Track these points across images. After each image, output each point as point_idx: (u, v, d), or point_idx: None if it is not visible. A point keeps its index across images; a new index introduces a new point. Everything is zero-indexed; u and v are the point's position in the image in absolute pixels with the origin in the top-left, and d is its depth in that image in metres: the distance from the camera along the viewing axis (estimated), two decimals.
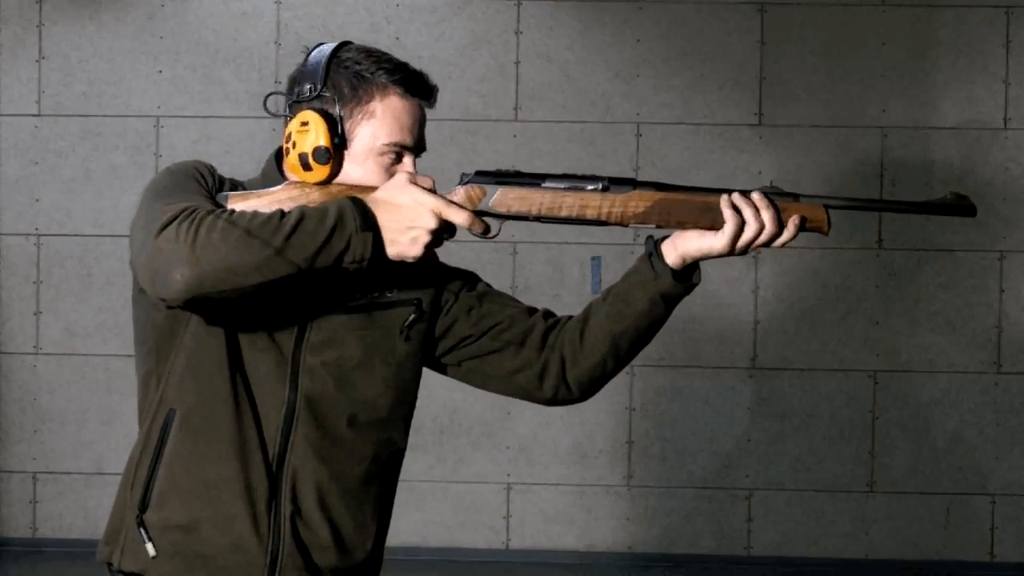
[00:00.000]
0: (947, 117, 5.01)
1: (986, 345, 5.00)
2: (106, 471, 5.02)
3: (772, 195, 1.81)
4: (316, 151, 1.79)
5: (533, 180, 1.82)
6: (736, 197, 1.80)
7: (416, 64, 1.88)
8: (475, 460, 5.05)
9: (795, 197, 1.81)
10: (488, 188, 1.81)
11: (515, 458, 5.05)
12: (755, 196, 1.80)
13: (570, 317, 1.97)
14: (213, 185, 1.81)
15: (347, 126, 1.81)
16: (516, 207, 1.81)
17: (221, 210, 1.68)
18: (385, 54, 1.86)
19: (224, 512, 1.79)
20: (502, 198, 1.81)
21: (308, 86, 1.82)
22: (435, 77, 1.88)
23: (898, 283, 5.01)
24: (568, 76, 5.04)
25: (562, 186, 1.81)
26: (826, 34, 5.04)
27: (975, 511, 5.00)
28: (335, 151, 1.80)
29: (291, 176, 1.85)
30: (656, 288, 1.85)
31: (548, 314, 1.97)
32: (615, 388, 5.03)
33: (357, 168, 1.82)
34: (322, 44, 1.87)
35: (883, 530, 5.00)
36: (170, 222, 1.64)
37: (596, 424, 5.05)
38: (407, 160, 1.84)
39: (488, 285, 2.00)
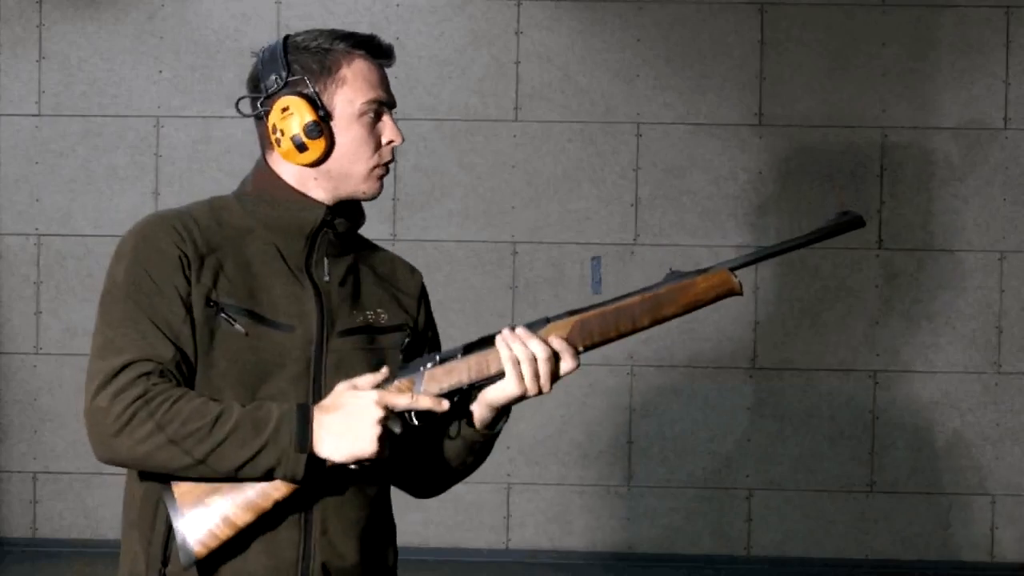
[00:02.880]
0: (947, 117, 5.01)
1: (986, 345, 5.00)
2: (106, 471, 5.00)
3: (676, 276, 1.82)
4: (307, 127, 1.80)
5: (452, 354, 1.80)
6: (506, 334, 1.79)
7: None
8: None
9: (697, 273, 1.83)
10: (415, 376, 1.78)
11: (515, 458, 5.04)
12: (519, 331, 1.79)
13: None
14: (185, 249, 1.76)
15: (324, 99, 1.83)
16: (447, 381, 1.78)
17: (161, 396, 1.66)
18: (334, 29, 1.90)
19: (269, 533, 1.75)
20: (431, 379, 1.78)
21: (273, 77, 1.83)
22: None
23: (898, 283, 5.01)
24: (568, 76, 5.04)
25: (482, 349, 1.79)
26: (826, 34, 5.03)
27: (975, 511, 5.00)
28: (323, 124, 1.81)
29: (288, 164, 1.85)
30: (468, 438, 1.90)
31: None
32: (615, 388, 5.03)
33: (346, 135, 1.83)
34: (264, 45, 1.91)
35: (883, 530, 5.00)
36: (105, 384, 1.67)
37: (596, 424, 5.04)
38: (387, 119, 1.86)
39: (435, 337, 2.04)
